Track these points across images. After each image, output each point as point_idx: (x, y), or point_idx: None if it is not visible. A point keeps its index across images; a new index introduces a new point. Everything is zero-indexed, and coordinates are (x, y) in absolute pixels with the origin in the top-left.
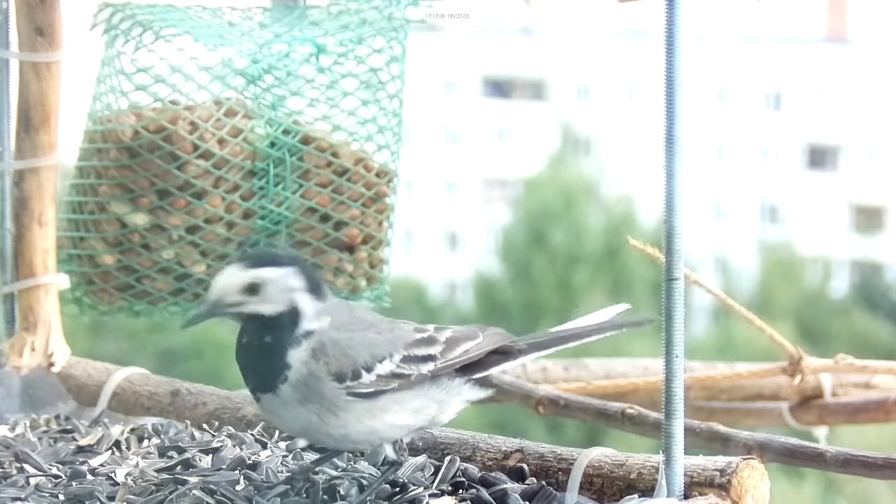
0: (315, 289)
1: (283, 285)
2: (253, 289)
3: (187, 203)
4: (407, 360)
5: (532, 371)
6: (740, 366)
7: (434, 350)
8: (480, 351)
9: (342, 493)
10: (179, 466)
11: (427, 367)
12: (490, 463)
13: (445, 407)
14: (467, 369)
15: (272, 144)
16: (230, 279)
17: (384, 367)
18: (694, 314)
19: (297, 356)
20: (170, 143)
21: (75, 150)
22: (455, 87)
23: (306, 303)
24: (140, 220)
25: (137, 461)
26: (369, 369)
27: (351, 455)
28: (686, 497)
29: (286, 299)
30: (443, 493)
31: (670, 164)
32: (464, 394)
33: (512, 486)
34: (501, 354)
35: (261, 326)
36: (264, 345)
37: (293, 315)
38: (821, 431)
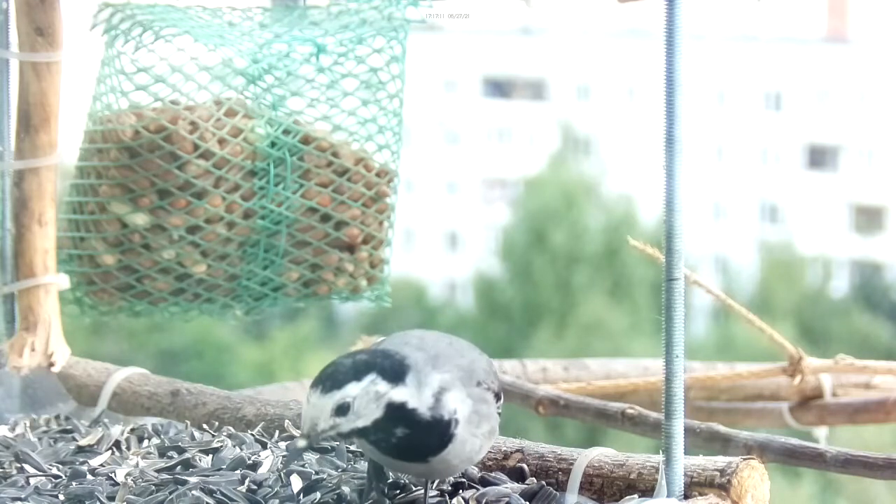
0: (398, 374)
1: (370, 395)
2: (342, 409)
3: (188, 203)
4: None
5: (532, 371)
6: (740, 366)
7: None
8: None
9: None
10: (179, 466)
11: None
12: (490, 463)
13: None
14: None
15: (272, 144)
16: (316, 409)
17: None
18: (694, 314)
19: (456, 399)
20: (170, 143)
21: (75, 150)
22: (455, 87)
23: (405, 393)
24: (140, 220)
25: (137, 461)
26: (500, 390)
27: (351, 455)
28: (686, 497)
29: (380, 405)
30: (442, 493)
31: (670, 164)
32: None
33: (512, 486)
34: None
35: (383, 429)
36: (411, 430)
37: (398, 410)
38: (821, 432)
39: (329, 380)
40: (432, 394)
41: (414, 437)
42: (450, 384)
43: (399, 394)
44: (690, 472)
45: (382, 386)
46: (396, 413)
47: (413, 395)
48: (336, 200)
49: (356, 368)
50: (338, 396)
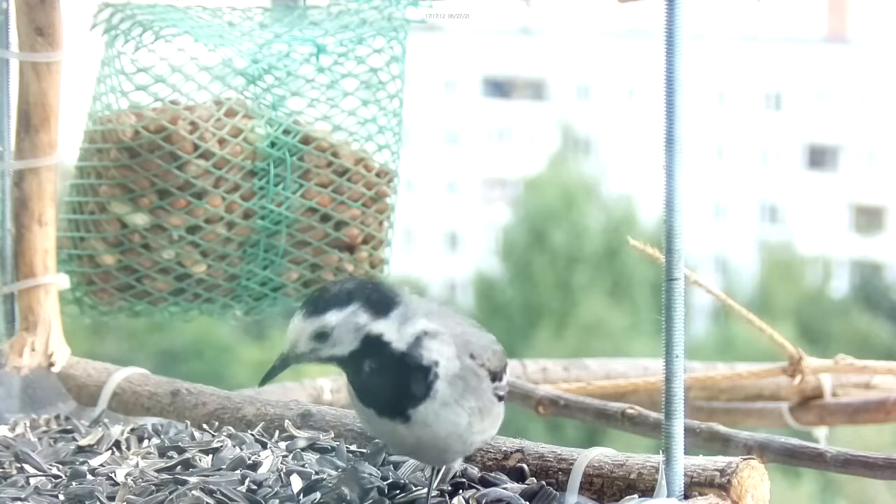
0: (383, 307)
1: (349, 326)
2: (321, 336)
3: (187, 203)
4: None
5: (532, 371)
6: (740, 366)
7: (505, 374)
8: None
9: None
10: (179, 466)
11: (506, 389)
12: (490, 463)
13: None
14: None
15: (272, 144)
16: (297, 332)
17: (507, 377)
18: (694, 314)
19: (441, 352)
20: (170, 143)
21: (75, 150)
22: (455, 87)
23: (383, 326)
24: (140, 220)
25: (137, 461)
26: (504, 375)
27: (351, 455)
28: (686, 497)
29: (358, 336)
30: (443, 493)
31: (670, 164)
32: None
33: (512, 486)
34: None
35: (358, 360)
36: (385, 366)
37: (375, 343)
38: (821, 432)
39: (313, 305)
40: (413, 333)
41: (387, 376)
42: (436, 334)
43: (378, 326)
44: (690, 472)
45: (363, 318)
46: (373, 346)
47: (392, 330)
48: (336, 200)
49: (340, 296)
50: (317, 324)
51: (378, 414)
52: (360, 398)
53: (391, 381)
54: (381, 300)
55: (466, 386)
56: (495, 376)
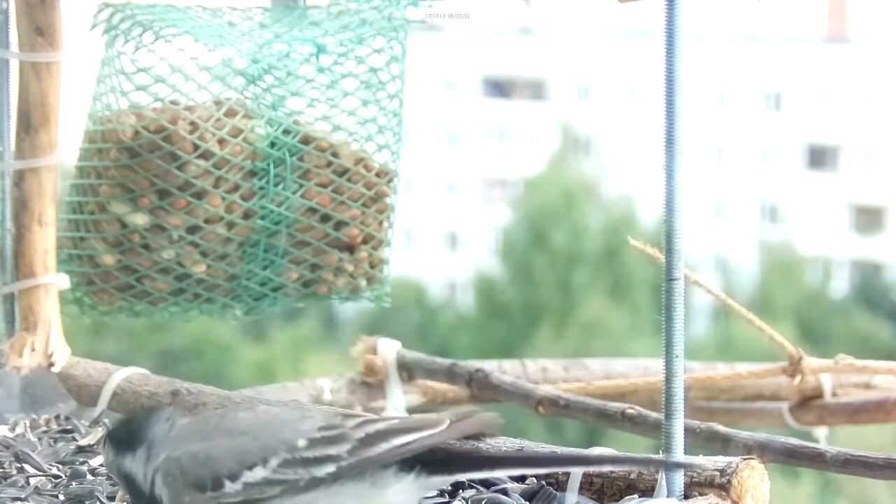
0: (127, 444)
1: (109, 466)
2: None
3: (187, 203)
4: (290, 464)
5: (532, 371)
6: (740, 366)
7: (340, 450)
8: (421, 445)
9: None
10: None
11: (326, 470)
12: None
13: (377, 502)
14: (429, 463)
15: (272, 144)
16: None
17: (254, 475)
18: (694, 314)
19: (157, 485)
20: (170, 143)
21: (75, 150)
22: (455, 87)
23: (130, 464)
24: (140, 220)
25: None
26: (234, 478)
27: None
28: (686, 497)
29: (120, 476)
30: (443, 492)
31: (670, 164)
32: (409, 487)
33: (512, 486)
34: (470, 459)
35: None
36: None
37: (131, 482)
38: (821, 432)
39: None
40: (153, 469)
41: None
42: (159, 469)
43: (126, 463)
44: (690, 472)
45: (110, 455)
46: (130, 483)
47: (138, 467)
48: (336, 200)
49: (106, 437)
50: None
51: None
52: None
53: None
54: (127, 435)
55: None
56: (202, 486)
